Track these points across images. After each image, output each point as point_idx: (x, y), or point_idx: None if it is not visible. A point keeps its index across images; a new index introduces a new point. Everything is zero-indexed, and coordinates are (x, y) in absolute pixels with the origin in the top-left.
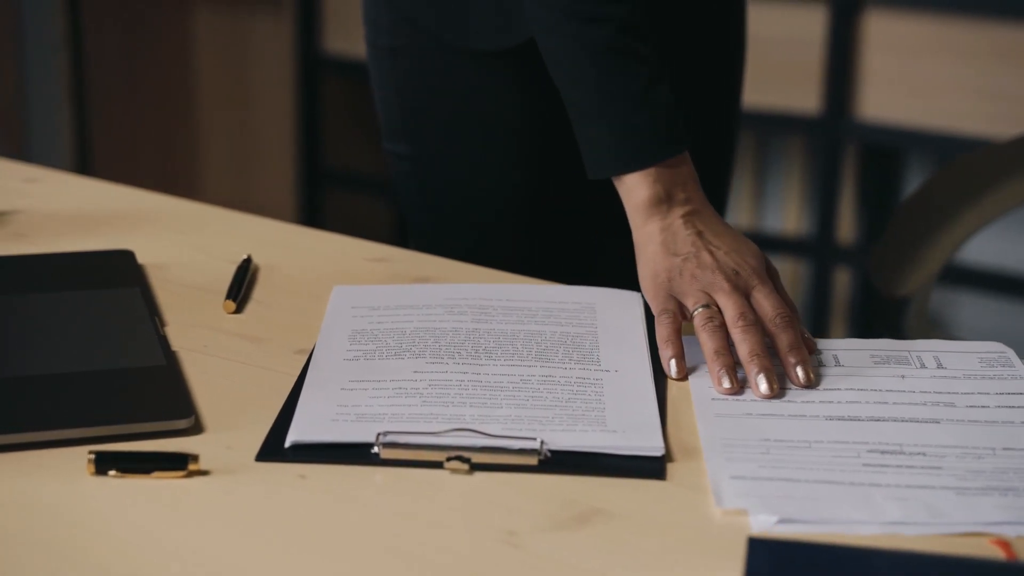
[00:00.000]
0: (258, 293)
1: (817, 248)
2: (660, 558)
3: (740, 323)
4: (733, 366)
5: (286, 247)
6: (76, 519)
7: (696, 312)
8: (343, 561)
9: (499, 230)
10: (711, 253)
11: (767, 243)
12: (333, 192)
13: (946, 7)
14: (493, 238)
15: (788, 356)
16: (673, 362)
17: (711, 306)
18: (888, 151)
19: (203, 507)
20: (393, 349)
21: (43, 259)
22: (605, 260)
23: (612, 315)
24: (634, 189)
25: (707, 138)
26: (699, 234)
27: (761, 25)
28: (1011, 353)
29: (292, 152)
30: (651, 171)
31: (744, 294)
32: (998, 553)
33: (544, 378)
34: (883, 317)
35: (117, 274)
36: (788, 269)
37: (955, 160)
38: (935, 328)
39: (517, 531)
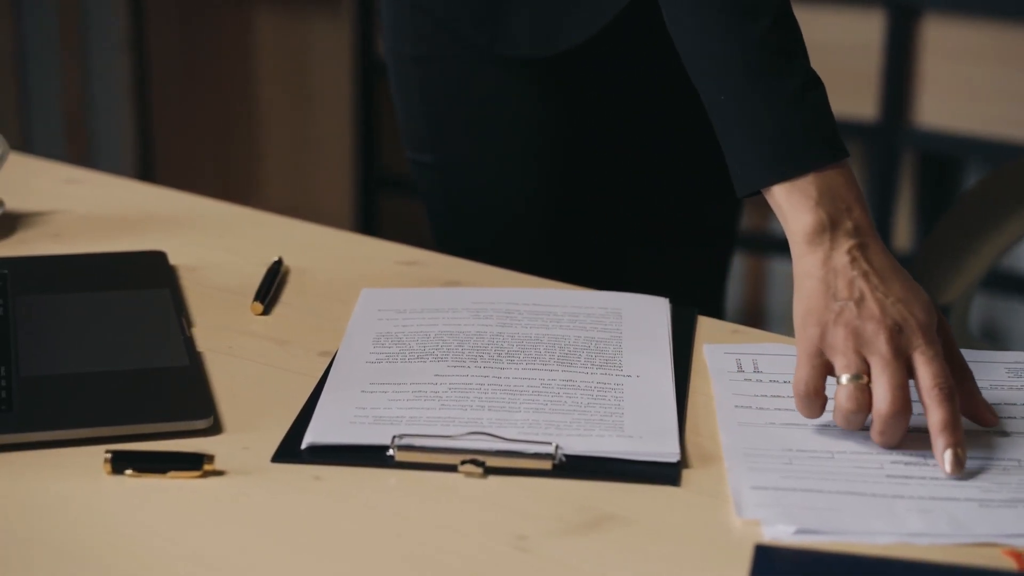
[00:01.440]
0: (287, 296)
1: None
2: (670, 565)
3: (887, 411)
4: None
5: (318, 250)
6: (92, 518)
7: (842, 384)
8: (350, 562)
9: (525, 238)
10: (877, 301)
11: None
12: (390, 195)
13: (1005, 13)
14: (520, 246)
15: (938, 436)
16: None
17: (862, 377)
18: (946, 158)
19: (217, 507)
20: (416, 352)
21: (75, 259)
22: (631, 269)
23: (638, 320)
24: (792, 214)
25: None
26: (865, 275)
27: (818, 31)
28: None
29: (350, 155)
30: (812, 193)
31: (904, 357)
32: (1010, 564)
33: (565, 382)
34: None
35: (148, 275)
36: None
37: (998, 168)
38: (977, 337)
39: (527, 535)
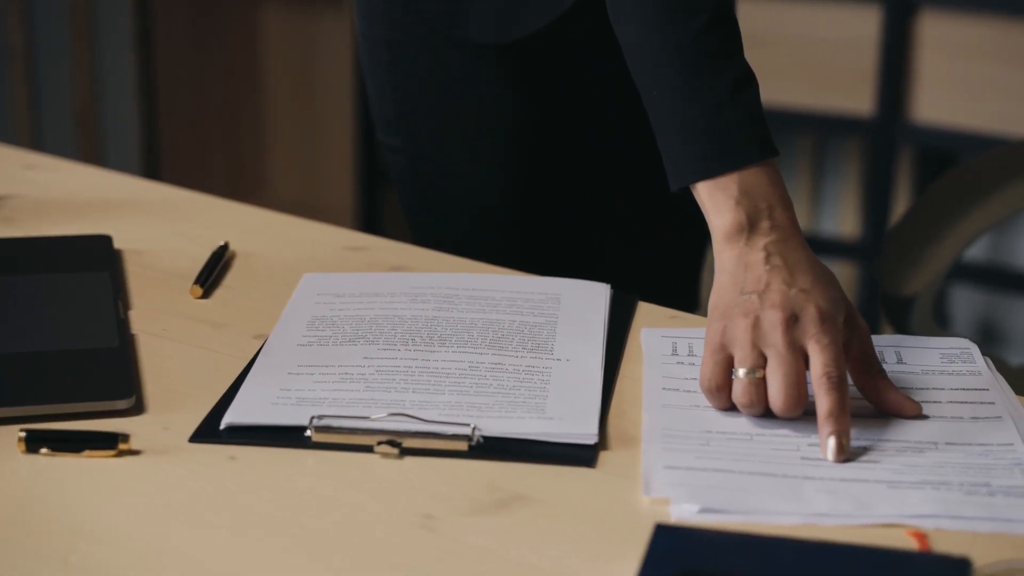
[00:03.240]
0: (229, 279)
1: (873, 251)
2: (572, 543)
3: (779, 407)
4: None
5: (266, 235)
6: (5, 496)
7: (737, 377)
8: (254, 540)
9: (495, 225)
10: (780, 292)
11: (823, 247)
12: (394, 190)
13: (1001, 9)
14: (489, 233)
15: (823, 424)
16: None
17: (757, 371)
18: (943, 154)
19: (130, 486)
20: (348, 336)
21: (20, 243)
22: (605, 260)
23: (575, 305)
24: (714, 212)
25: None
26: (775, 269)
27: (815, 26)
28: (975, 349)
29: (355, 150)
30: (733, 192)
31: (799, 348)
32: (913, 544)
33: (493, 366)
34: (893, 316)
35: (91, 258)
36: (845, 272)
37: (964, 162)
38: (972, 334)
39: (435, 515)
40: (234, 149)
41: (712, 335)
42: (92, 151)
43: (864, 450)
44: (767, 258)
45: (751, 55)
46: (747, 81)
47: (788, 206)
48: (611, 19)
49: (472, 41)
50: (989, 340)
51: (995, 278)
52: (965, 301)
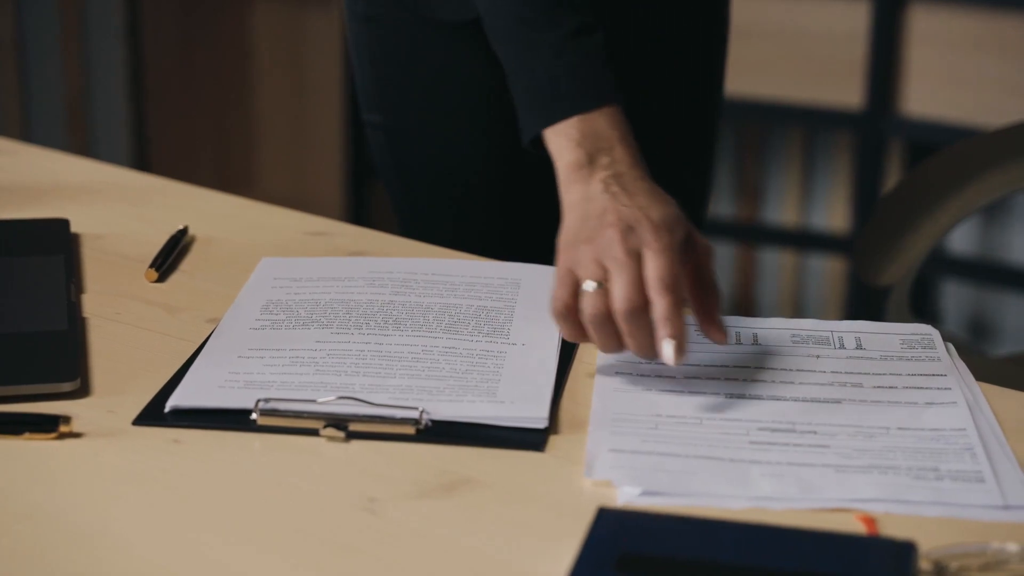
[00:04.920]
0: (187, 264)
1: None
2: (515, 526)
3: (622, 308)
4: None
5: (228, 220)
6: None
7: (583, 292)
8: (194, 522)
9: (473, 204)
10: (615, 211)
11: (812, 240)
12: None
13: (991, 2)
14: (468, 212)
15: (659, 327)
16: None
17: (602, 285)
18: (933, 147)
19: (69, 468)
20: (302, 319)
21: None
22: None
23: (534, 290)
24: (558, 154)
25: (686, 127)
26: (613, 195)
27: (804, 19)
28: (936, 335)
29: (344, 144)
30: (574, 135)
31: (637, 255)
32: (862, 528)
33: (447, 350)
34: (869, 306)
35: (46, 242)
36: (834, 267)
37: (941, 150)
38: (965, 330)
39: (379, 498)
40: (223, 143)
41: (561, 264)
42: (82, 144)
43: (814, 435)
44: (606, 188)
45: (740, 48)
46: (587, 30)
47: (629, 145)
48: None
49: (437, 19)
50: (979, 334)
51: (986, 273)
52: (955, 296)
